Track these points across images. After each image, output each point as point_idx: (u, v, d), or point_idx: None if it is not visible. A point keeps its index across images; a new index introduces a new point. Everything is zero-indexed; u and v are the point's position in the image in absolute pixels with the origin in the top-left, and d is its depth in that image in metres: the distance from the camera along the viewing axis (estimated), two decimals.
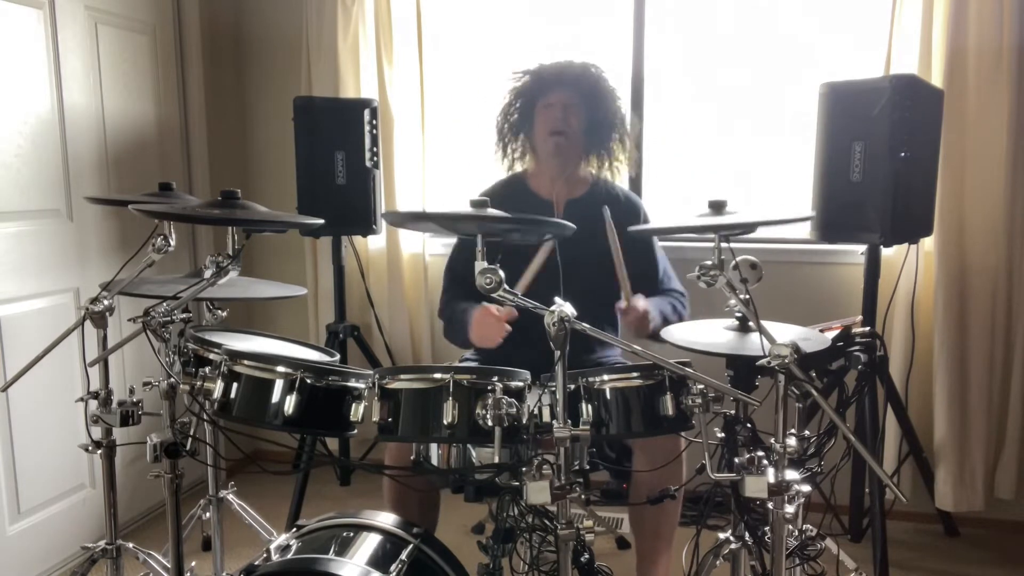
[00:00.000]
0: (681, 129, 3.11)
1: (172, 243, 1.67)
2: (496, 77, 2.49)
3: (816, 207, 2.44)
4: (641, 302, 2.06)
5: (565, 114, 2.20)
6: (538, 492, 1.30)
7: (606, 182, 2.32)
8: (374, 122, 2.87)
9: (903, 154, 2.26)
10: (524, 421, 1.42)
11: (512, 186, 2.34)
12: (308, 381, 1.49)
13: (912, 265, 2.64)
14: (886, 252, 2.60)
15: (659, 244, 2.36)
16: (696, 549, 1.60)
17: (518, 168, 2.36)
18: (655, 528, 2.04)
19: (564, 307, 1.33)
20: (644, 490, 1.87)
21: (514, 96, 2.28)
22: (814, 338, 1.55)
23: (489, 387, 1.43)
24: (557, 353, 1.34)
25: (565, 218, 2.10)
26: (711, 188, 3.11)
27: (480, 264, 1.34)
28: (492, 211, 1.44)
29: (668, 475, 1.81)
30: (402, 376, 1.48)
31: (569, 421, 1.36)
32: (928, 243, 2.66)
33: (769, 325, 1.44)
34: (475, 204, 1.44)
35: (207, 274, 1.60)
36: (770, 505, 1.39)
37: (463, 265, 2.29)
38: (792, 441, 1.37)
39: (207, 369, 1.55)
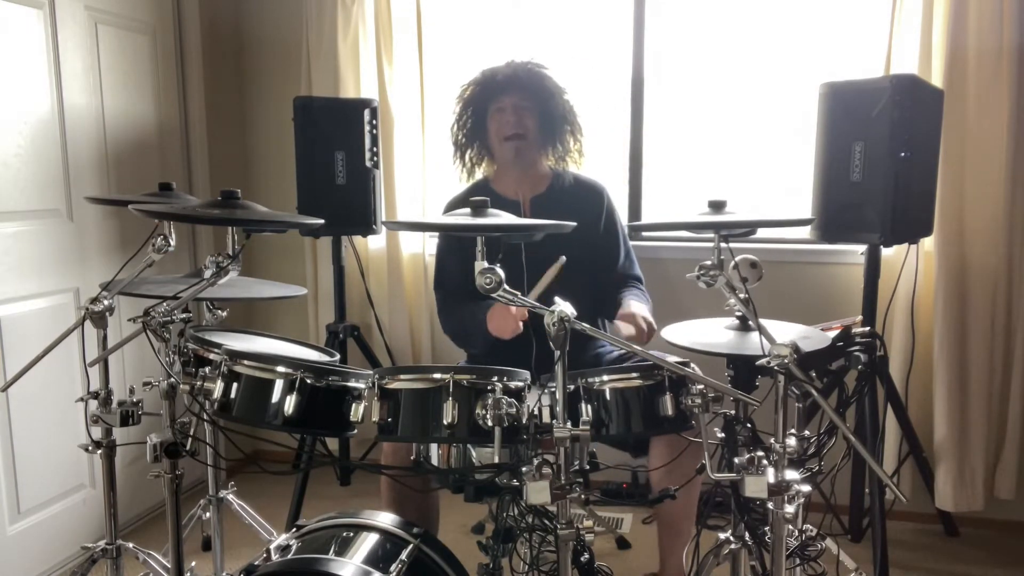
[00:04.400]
0: (681, 129, 3.11)
1: (172, 243, 1.67)
2: None
3: (816, 207, 2.45)
4: (642, 315, 2.07)
5: (518, 116, 2.25)
6: (538, 492, 1.30)
7: (564, 172, 2.36)
8: (374, 122, 2.87)
9: (903, 154, 2.27)
10: (524, 421, 1.42)
11: (478, 192, 2.34)
12: (308, 381, 1.49)
13: (912, 265, 2.64)
14: (886, 252, 2.60)
15: (623, 227, 2.42)
16: (696, 549, 1.60)
17: (478, 175, 2.40)
18: (670, 521, 2.09)
19: (564, 307, 1.33)
20: (664, 485, 1.86)
21: (464, 105, 2.34)
22: (814, 337, 1.55)
23: (489, 387, 1.43)
24: (557, 353, 1.34)
25: (532, 214, 2.25)
26: (710, 188, 3.11)
27: (480, 264, 1.34)
28: (493, 212, 1.44)
29: (687, 471, 1.80)
30: (402, 376, 1.48)
31: (569, 421, 1.36)
32: (928, 243, 2.66)
33: (769, 324, 1.44)
34: (475, 205, 1.44)
35: (207, 274, 1.60)
36: (770, 505, 1.39)
37: (454, 260, 2.33)
38: (792, 441, 1.37)
39: (207, 369, 1.55)
